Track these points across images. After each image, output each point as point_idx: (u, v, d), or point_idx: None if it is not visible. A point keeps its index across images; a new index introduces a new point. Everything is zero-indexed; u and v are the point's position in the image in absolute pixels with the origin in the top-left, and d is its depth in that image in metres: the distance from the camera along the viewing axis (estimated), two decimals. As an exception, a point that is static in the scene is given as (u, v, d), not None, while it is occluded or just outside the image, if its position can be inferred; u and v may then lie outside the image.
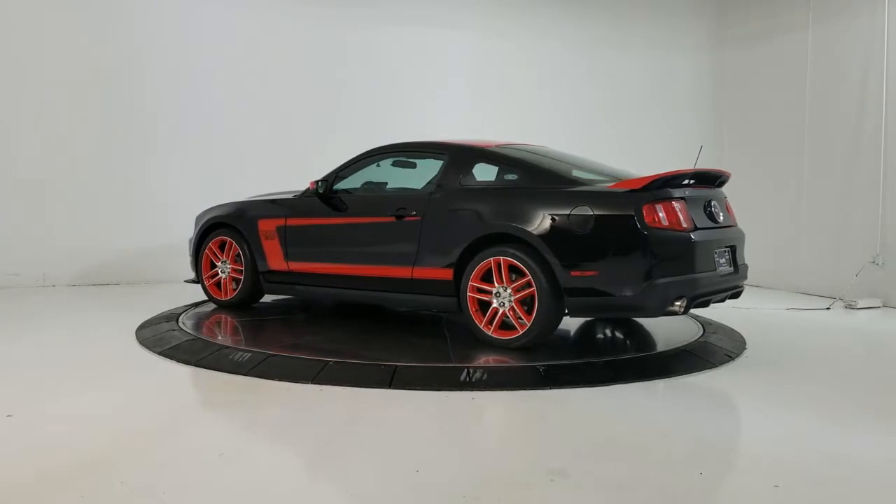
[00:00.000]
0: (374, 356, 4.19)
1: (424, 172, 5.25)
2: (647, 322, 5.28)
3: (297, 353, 4.23)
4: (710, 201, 4.53)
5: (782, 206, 8.14)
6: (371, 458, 2.84)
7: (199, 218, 5.86)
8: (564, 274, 4.13)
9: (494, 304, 4.34)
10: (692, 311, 4.89)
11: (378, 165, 5.28)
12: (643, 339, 4.94)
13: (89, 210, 7.16)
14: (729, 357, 4.55)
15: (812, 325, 5.95)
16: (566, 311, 4.29)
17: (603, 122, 8.79)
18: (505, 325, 4.37)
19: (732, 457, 3.03)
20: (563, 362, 4.18)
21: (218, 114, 7.54)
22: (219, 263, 5.62)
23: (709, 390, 3.98)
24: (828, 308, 6.70)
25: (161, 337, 4.64)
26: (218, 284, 5.65)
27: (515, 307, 4.28)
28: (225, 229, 5.58)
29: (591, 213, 4.13)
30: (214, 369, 3.99)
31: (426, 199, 4.71)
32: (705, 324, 5.38)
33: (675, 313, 4.14)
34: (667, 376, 4.06)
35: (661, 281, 4.03)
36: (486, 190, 4.66)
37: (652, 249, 4.03)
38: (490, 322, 4.37)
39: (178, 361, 4.16)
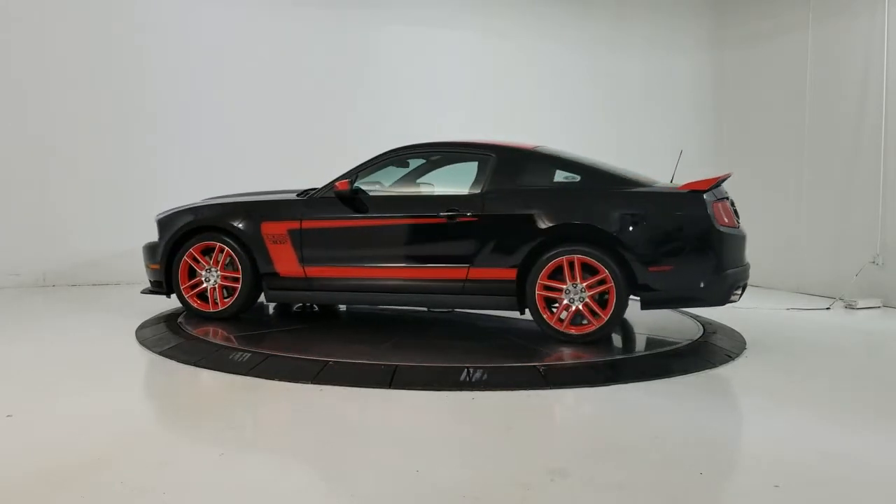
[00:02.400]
0: (374, 356, 4.19)
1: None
2: (647, 322, 5.29)
3: (297, 353, 4.23)
4: (732, 201, 4.86)
5: (782, 206, 8.14)
6: (371, 457, 2.84)
7: (165, 222, 5.20)
8: (643, 270, 4.41)
9: (566, 301, 4.49)
10: (693, 311, 5.44)
11: (395, 166, 5.16)
12: (642, 339, 4.94)
13: (89, 210, 7.16)
14: (729, 357, 4.55)
15: (812, 325, 5.95)
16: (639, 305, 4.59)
17: (603, 121, 8.80)
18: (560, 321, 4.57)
19: (732, 457, 3.03)
20: (563, 362, 4.18)
21: (218, 114, 7.54)
22: (202, 272, 5.04)
23: (709, 390, 3.98)
24: (828, 308, 6.70)
25: (161, 337, 4.64)
26: (199, 295, 5.09)
27: (590, 303, 4.46)
28: (212, 233, 5.04)
29: (669, 213, 4.49)
30: (214, 369, 3.99)
31: (481, 200, 4.67)
32: (705, 324, 5.38)
33: (733, 301, 4.62)
34: (667, 376, 4.06)
35: (726, 273, 4.48)
36: (552, 190, 4.74)
37: (721, 245, 4.46)
38: (559, 319, 4.51)
39: (178, 361, 4.15)
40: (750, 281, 4.94)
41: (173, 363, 4.15)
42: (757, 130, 8.62)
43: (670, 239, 4.47)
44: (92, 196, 7.17)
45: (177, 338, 4.58)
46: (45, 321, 5.45)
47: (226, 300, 5.04)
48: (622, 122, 8.87)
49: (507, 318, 5.66)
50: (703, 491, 2.59)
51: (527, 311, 4.69)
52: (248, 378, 3.85)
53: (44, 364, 4.17)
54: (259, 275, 4.98)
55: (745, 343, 4.97)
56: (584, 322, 4.52)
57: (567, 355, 4.37)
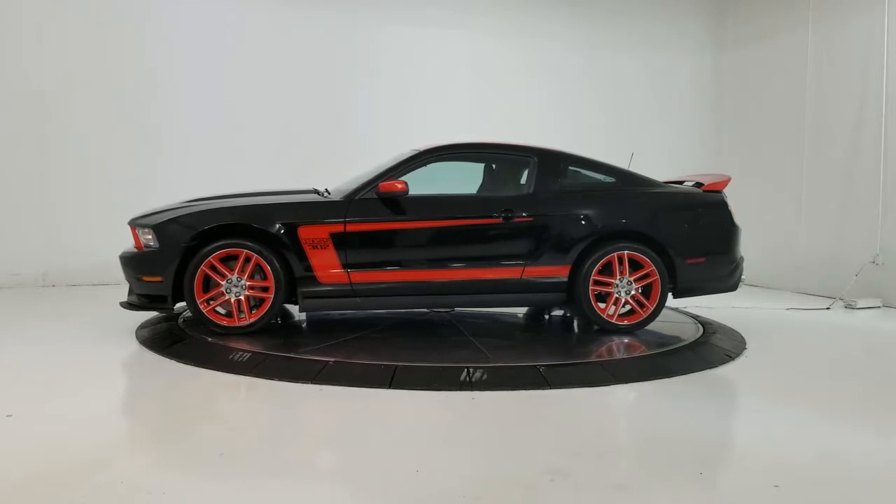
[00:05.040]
0: (374, 356, 4.19)
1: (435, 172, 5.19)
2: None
3: (297, 353, 4.23)
4: None
5: (782, 206, 8.14)
6: (371, 458, 2.84)
7: (168, 227, 4.58)
8: (682, 263, 4.92)
9: (616, 295, 4.87)
10: (691, 310, 5.84)
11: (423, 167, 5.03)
12: (643, 339, 4.94)
13: (89, 210, 7.16)
14: (729, 357, 4.55)
15: (812, 325, 5.96)
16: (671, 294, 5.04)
17: (602, 121, 8.80)
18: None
19: (732, 457, 3.03)
20: (563, 362, 4.18)
21: (218, 115, 7.54)
22: (223, 282, 4.53)
23: (709, 390, 3.98)
24: (828, 308, 6.70)
25: (161, 337, 4.64)
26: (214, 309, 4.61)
27: (637, 295, 4.90)
28: (232, 238, 4.53)
29: (702, 211, 5.06)
30: (214, 369, 3.99)
31: (532, 201, 4.83)
32: (705, 324, 5.39)
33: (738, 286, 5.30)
34: (667, 376, 4.06)
35: (738, 262, 5.16)
36: (601, 191, 5.04)
37: (737, 238, 5.13)
38: (608, 312, 4.89)
39: (178, 361, 4.15)
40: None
41: (173, 363, 4.14)
42: (757, 130, 8.63)
43: (704, 234, 5.03)
44: (92, 196, 7.17)
45: (177, 338, 4.58)
46: (45, 321, 5.45)
47: (252, 313, 4.60)
48: (622, 121, 8.88)
49: (507, 318, 5.66)
50: (703, 491, 2.59)
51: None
52: (248, 378, 3.85)
53: (44, 364, 4.16)
54: (291, 283, 4.61)
55: (744, 343, 4.97)
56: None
57: (567, 355, 4.36)
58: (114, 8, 7.20)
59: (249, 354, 4.15)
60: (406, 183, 4.64)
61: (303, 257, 4.58)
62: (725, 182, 5.19)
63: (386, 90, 8.08)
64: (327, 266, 4.61)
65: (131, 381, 4.01)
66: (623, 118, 8.88)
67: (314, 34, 7.85)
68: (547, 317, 5.71)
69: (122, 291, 6.25)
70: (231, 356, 4.14)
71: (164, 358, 4.24)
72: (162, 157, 7.40)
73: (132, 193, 7.24)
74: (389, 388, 3.70)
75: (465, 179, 5.26)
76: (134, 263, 4.71)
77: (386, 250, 4.72)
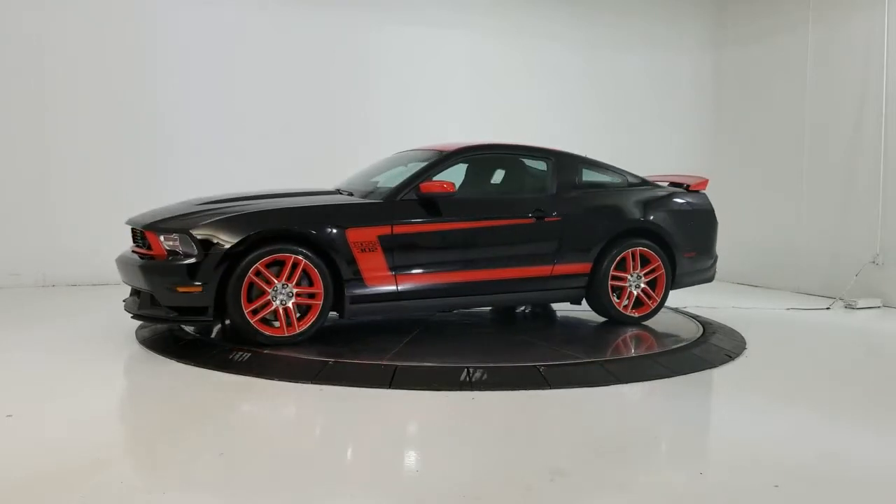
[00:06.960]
0: (374, 356, 4.19)
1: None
2: (647, 322, 5.30)
3: (297, 353, 4.23)
4: None
5: (782, 206, 8.14)
6: (370, 458, 2.84)
7: (204, 231, 4.18)
8: (681, 257, 5.36)
9: (630, 289, 5.21)
10: (691, 310, 6.02)
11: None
12: (642, 339, 4.95)
13: (89, 210, 7.15)
14: (729, 357, 4.55)
15: (812, 325, 5.96)
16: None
17: (602, 121, 8.80)
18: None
19: (732, 457, 3.03)
20: (563, 362, 4.18)
21: (218, 115, 7.54)
22: (270, 290, 4.25)
23: (709, 390, 3.98)
24: (828, 308, 6.70)
25: (161, 337, 4.64)
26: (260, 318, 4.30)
27: (646, 288, 5.25)
28: (277, 243, 4.28)
29: (693, 209, 5.53)
30: (214, 369, 3.99)
31: (560, 200, 5.07)
32: (705, 324, 5.39)
33: None
34: (667, 376, 4.06)
35: (716, 255, 5.69)
36: (618, 192, 5.36)
37: (717, 233, 5.65)
38: (622, 305, 5.22)
39: (179, 361, 4.15)
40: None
41: (173, 363, 4.14)
42: (757, 130, 8.62)
43: (695, 230, 5.48)
44: (92, 196, 7.16)
45: (177, 338, 4.58)
46: (46, 321, 5.45)
47: (299, 321, 4.36)
48: (622, 121, 8.88)
49: (505, 317, 5.66)
50: (703, 491, 2.59)
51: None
52: (248, 378, 3.85)
53: (44, 364, 4.16)
54: (339, 288, 4.44)
55: (744, 343, 4.97)
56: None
57: (567, 355, 4.36)
58: (114, 8, 7.19)
59: (249, 354, 4.15)
60: (454, 184, 4.64)
61: (351, 261, 4.41)
62: (706, 182, 5.70)
63: (386, 90, 8.08)
64: (375, 269, 4.48)
65: (131, 381, 4.00)
66: (623, 118, 8.88)
67: (314, 34, 7.85)
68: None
69: (122, 291, 6.23)
70: (231, 356, 4.14)
71: (164, 358, 4.24)
72: (162, 157, 7.39)
73: (132, 193, 7.24)
74: (389, 388, 3.70)
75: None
76: (165, 272, 4.21)
77: (433, 252, 4.68)
